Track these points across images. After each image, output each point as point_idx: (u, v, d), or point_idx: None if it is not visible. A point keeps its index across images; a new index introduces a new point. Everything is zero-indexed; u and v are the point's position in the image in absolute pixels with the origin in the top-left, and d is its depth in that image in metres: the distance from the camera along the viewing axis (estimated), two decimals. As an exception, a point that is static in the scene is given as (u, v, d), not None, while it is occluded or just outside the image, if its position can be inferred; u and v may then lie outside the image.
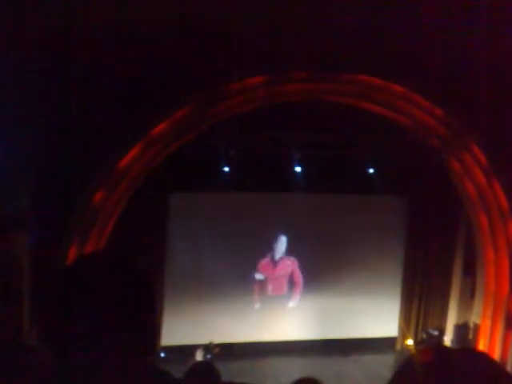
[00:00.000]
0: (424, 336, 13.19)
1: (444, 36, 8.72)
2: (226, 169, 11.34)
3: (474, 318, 12.02)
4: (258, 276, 13.37)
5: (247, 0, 8.08)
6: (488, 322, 11.12)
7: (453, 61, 9.03)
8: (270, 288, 13.44)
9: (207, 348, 11.37)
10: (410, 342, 13.17)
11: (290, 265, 13.36)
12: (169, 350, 11.24)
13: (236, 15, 7.87)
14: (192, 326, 12.33)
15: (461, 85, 9.30)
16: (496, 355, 10.66)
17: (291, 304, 13.43)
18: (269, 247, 12.98)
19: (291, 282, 13.36)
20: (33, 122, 7.69)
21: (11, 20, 7.18)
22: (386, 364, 12.11)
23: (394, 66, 9.14)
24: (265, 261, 13.33)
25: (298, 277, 13.44)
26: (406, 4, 8.46)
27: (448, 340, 12.95)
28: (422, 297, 13.37)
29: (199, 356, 11.07)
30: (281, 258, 13.32)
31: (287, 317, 13.05)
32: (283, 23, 8.21)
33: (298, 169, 11.73)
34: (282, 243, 13.22)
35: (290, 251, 13.05)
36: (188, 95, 8.85)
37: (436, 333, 13.05)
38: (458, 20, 8.56)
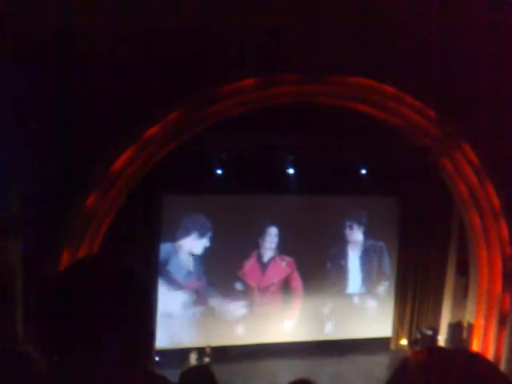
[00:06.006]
0: (418, 336, 13.23)
1: (438, 36, 8.75)
2: (219, 171, 11.36)
3: (468, 317, 12.06)
4: (238, 286, 12.22)
5: (240, 3, 8.08)
6: (481, 321, 11.16)
7: (446, 61, 9.07)
8: (257, 300, 12.51)
9: (202, 352, 11.35)
10: (404, 341, 13.21)
11: (285, 268, 12.55)
12: (163, 353, 11.19)
13: (229, 18, 7.89)
14: (186, 329, 12.31)
15: (453, 85, 9.35)
16: (490, 354, 10.71)
17: (288, 325, 12.77)
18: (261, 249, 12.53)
19: (287, 288, 12.72)
20: (24, 128, 7.67)
21: (7, 19, 7.16)
22: (380, 364, 12.13)
23: (386, 67, 9.18)
24: (250, 263, 12.35)
25: (297, 282, 12.64)
26: (401, 5, 8.49)
27: (442, 339, 12.98)
28: (415, 296, 13.41)
29: (193, 359, 11.05)
30: (272, 259, 12.52)
31: (281, 318, 13.02)
32: (276, 26, 8.22)
33: (290, 171, 11.75)
34: (272, 236, 12.24)
35: (284, 250, 12.58)
36: (181, 97, 8.84)
37: (430, 332, 13.09)
38: (454, 21, 8.60)
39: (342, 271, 13.03)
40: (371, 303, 13.21)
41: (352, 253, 13.05)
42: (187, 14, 7.86)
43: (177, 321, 12.18)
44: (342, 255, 13.00)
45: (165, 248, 11.89)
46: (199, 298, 12.19)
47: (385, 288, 13.29)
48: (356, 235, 12.98)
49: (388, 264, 13.26)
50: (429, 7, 8.64)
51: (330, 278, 12.94)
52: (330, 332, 13.08)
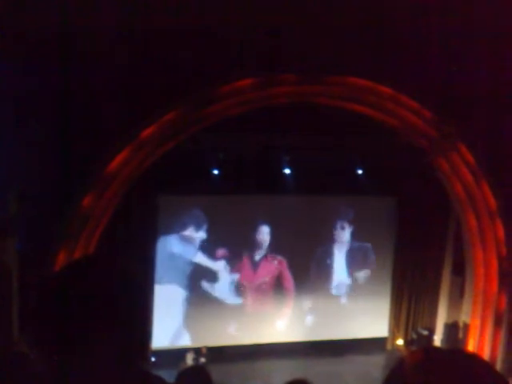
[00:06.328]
0: (414, 336, 13.25)
1: (438, 37, 8.76)
2: (216, 171, 11.35)
3: (464, 317, 12.08)
4: (230, 284, 12.21)
5: (240, 3, 8.09)
6: (477, 321, 11.19)
7: (445, 62, 9.09)
8: (248, 302, 12.64)
9: (198, 352, 11.35)
10: (400, 342, 13.23)
11: (277, 266, 12.58)
12: (159, 353, 11.17)
13: (229, 18, 7.89)
14: (182, 330, 12.30)
15: (451, 85, 9.36)
16: (485, 354, 10.74)
17: (281, 325, 12.83)
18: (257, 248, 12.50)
19: (279, 288, 12.76)
20: (24, 128, 7.66)
21: (7, 19, 7.15)
22: (376, 364, 12.16)
23: (386, 67, 9.19)
24: (241, 262, 12.40)
25: (289, 281, 12.71)
26: (401, 5, 8.50)
27: (438, 339, 13.01)
28: (411, 297, 13.43)
29: (189, 360, 11.05)
30: (264, 258, 12.57)
31: (274, 318, 13.01)
32: (276, 26, 8.23)
33: (287, 171, 11.75)
34: (264, 234, 12.34)
35: (276, 250, 12.59)
36: (180, 97, 8.84)
37: (426, 332, 13.11)
38: (454, 21, 8.61)
39: (329, 271, 13.03)
40: (367, 303, 13.21)
41: (339, 253, 13.05)
42: (187, 14, 7.85)
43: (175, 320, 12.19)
44: (330, 254, 12.99)
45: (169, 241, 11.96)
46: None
47: (365, 275, 13.26)
48: (346, 235, 13.00)
49: (373, 261, 13.26)
50: (429, 7, 8.65)
51: (323, 278, 12.94)
52: (326, 332, 13.08)
